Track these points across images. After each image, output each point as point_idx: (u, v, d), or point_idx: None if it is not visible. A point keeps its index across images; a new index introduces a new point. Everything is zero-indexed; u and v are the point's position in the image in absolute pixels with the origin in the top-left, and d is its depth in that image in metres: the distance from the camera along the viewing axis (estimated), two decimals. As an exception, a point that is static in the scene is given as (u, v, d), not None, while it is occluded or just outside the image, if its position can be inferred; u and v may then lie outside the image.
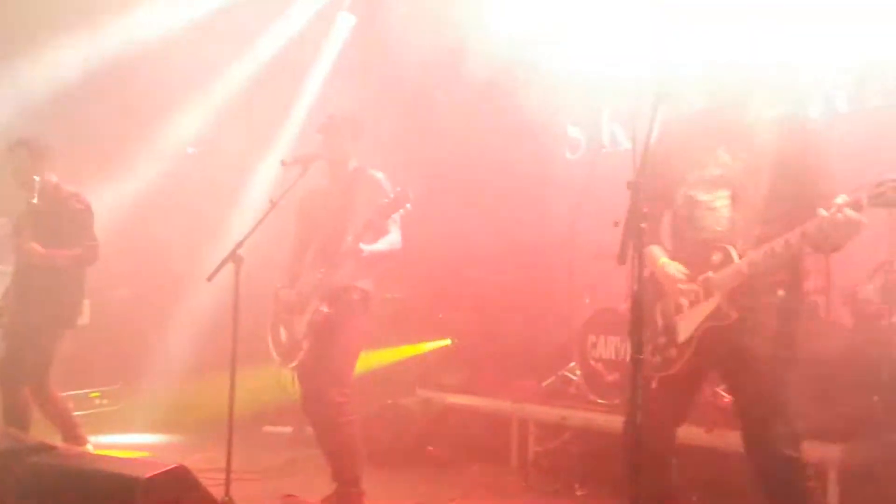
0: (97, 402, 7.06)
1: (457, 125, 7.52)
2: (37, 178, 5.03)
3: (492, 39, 7.34)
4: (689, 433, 4.75)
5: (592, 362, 5.73)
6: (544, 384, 6.22)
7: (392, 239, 4.47)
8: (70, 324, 5.26)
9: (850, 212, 2.65)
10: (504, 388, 6.57)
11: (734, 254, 2.98)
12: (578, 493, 5.08)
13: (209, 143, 7.90)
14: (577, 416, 5.47)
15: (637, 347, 2.45)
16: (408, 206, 4.18)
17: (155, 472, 3.24)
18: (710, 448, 4.64)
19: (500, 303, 7.34)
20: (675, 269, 3.16)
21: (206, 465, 4.73)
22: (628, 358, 4.81)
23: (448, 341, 7.04)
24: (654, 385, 3.12)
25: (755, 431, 3.00)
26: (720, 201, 3.09)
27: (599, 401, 5.61)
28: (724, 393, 5.12)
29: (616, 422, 5.13)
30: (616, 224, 2.50)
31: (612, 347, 5.64)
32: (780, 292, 3.02)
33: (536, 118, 8.12)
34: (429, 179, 6.29)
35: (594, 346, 5.75)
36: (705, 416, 4.78)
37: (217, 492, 3.84)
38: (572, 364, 6.10)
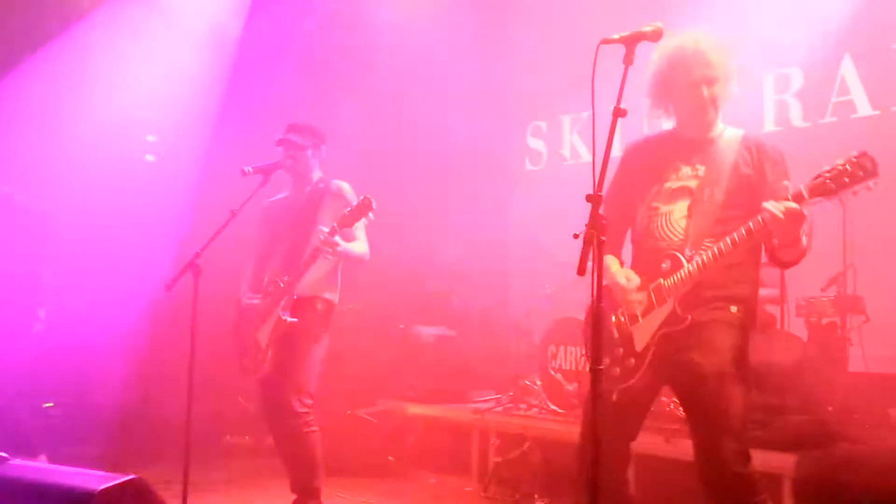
0: (51, 412, 6.92)
1: (419, 136, 7.54)
2: None
3: (456, 51, 7.41)
4: (649, 442, 4.81)
5: (553, 372, 5.77)
6: (505, 394, 6.24)
7: (360, 246, 4.47)
8: (26, 333, 5.12)
9: (789, 203, 2.75)
10: (465, 398, 6.59)
11: (683, 259, 3.05)
12: (538, 502, 5.10)
13: (168, 151, 7.82)
14: (538, 427, 5.49)
15: (596, 358, 2.46)
16: (370, 215, 4.18)
17: (109, 484, 3.17)
18: (670, 458, 4.68)
19: (460, 313, 7.35)
20: (625, 277, 3.19)
21: (163, 477, 4.68)
22: (587, 368, 4.86)
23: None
24: (614, 398, 3.11)
25: (704, 448, 3.01)
26: (678, 212, 3.16)
27: (559, 410, 5.64)
28: (682, 403, 5.18)
29: (577, 432, 5.14)
30: (576, 236, 2.51)
31: (572, 358, 5.67)
32: (733, 308, 3.08)
33: (498, 129, 8.20)
34: (390, 189, 6.28)
35: (554, 356, 5.79)
36: (664, 426, 4.82)
37: (174, 504, 3.79)
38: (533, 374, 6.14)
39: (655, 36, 2.75)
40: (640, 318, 3.14)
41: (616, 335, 3.19)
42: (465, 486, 5.61)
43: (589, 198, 2.51)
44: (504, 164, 8.42)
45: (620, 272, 3.23)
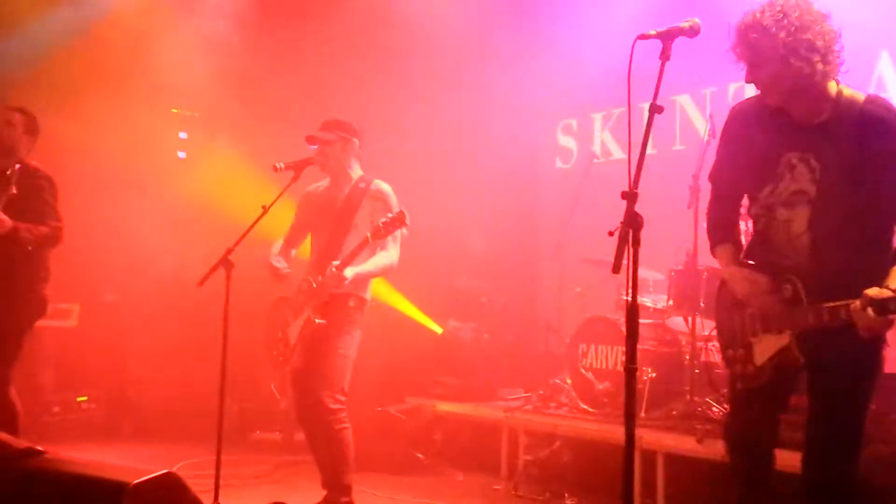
0: (84, 406, 7.00)
1: (450, 133, 7.53)
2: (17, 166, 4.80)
3: (487, 49, 7.39)
4: (680, 443, 4.77)
5: (583, 371, 5.73)
6: (535, 393, 6.22)
7: (386, 256, 4.46)
8: (41, 314, 4.99)
9: (871, 313, 2.55)
10: (494, 396, 6.58)
11: (803, 294, 2.84)
12: (568, 501, 5.07)
13: (199, 148, 7.88)
14: (568, 425, 5.46)
15: (631, 357, 2.43)
16: (404, 230, 4.20)
17: (143, 478, 3.19)
18: (702, 458, 4.64)
19: (490, 311, 7.34)
20: (745, 281, 2.99)
21: (194, 472, 4.72)
22: (621, 367, 4.85)
23: (440, 330, 7.03)
24: (738, 386, 3.09)
25: (813, 466, 2.98)
26: (798, 224, 2.91)
27: (590, 410, 5.61)
28: (714, 403, 5.13)
29: (607, 431, 5.14)
30: (611, 233, 2.48)
31: (603, 356, 5.64)
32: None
33: (528, 127, 8.18)
34: (420, 186, 6.29)
35: (585, 354, 5.76)
36: (697, 426, 4.78)
37: (206, 498, 3.80)
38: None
39: (692, 31, 2.70)
40: (759, 333, 3.00)
41: (739, 335, 3.09)
42: (494, 485, 5.58)
43: (624, 194, 2.48)
44: (534, 162, 8.39)
45: (740, 272, 3.02)
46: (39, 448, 3.80)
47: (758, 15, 2.80)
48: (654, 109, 2.58)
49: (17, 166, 4.69)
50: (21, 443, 3.87)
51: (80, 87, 6.69)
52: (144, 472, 3.28)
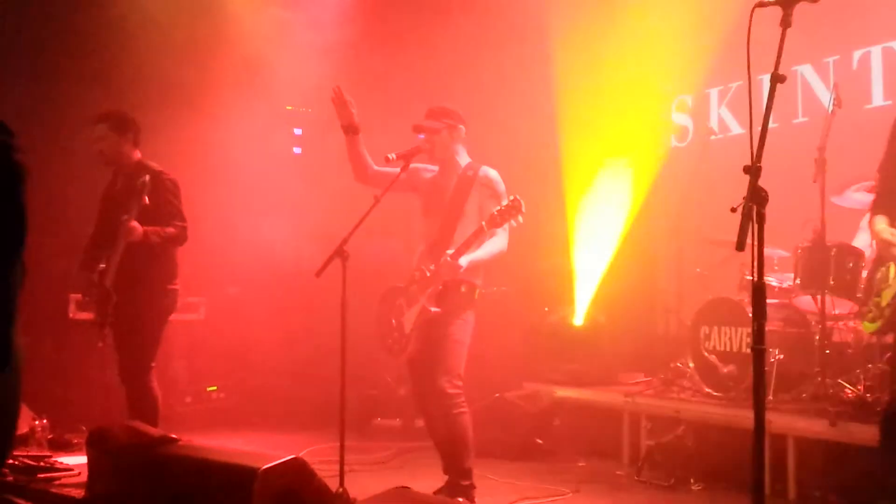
0: (214, 395, 7.28)
1: (563, 113, 7.44)
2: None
3: (599, 27, 7.28)
4: (813, 426, 4.59)
5: (706, 354, 5.58)
6: (656, 377, 6.11)
7: (497, 243, 4.44)
8: (173, 309, 5.19)
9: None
10: (614, 380, 6.49)
11: None
12: (694, 487, 4.96)
13: (314, 143, 8.06)
14: (692, 410, 5.34)
15: (759, 337, 2.34)
16: (520, 218, 4.17)
17: (272, 464, 3.31)
18: (836, 441, 4.46)
19: (607, 293, 7.23)
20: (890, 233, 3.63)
21: (318, 458, 4.83)
22: (746, 349, 4.81)
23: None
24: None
25: None
26: None
27: (715, 394, 5.46)
28: (846, 384, 4.92)
29: (734, 415, 4.99)
30: (734, 210, 2.40)
31: (727, 339, 5.48)
32: None
33: (642, 106, 8.00)
34: (532, 169, 6.25)
35: (707, 337, 5.60)
36: (829, 408, 4.60)
37: (331, 483, 3.90)
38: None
39: (813, -4, 2.58)
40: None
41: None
42: (616, 470, 5.52)
43: (747, 169, 2.39)
44: (648, 140, 8.21)
45: (886, 229, 3.64)
46: (174, 436, 3.98)
47: None
48: (777, 79, 2.48)
49: (147, 177, 4.86)
50: (157, 431, 4.07)
51: (199, 86, 6.92)
52: (273, 457, 3.40)
